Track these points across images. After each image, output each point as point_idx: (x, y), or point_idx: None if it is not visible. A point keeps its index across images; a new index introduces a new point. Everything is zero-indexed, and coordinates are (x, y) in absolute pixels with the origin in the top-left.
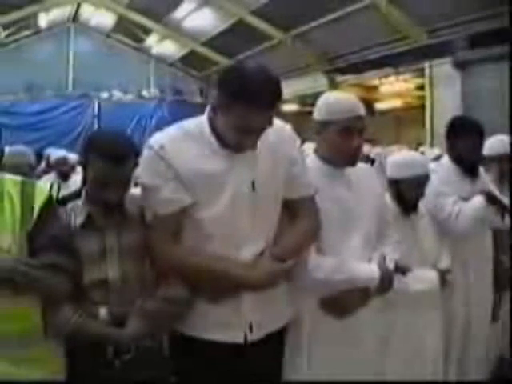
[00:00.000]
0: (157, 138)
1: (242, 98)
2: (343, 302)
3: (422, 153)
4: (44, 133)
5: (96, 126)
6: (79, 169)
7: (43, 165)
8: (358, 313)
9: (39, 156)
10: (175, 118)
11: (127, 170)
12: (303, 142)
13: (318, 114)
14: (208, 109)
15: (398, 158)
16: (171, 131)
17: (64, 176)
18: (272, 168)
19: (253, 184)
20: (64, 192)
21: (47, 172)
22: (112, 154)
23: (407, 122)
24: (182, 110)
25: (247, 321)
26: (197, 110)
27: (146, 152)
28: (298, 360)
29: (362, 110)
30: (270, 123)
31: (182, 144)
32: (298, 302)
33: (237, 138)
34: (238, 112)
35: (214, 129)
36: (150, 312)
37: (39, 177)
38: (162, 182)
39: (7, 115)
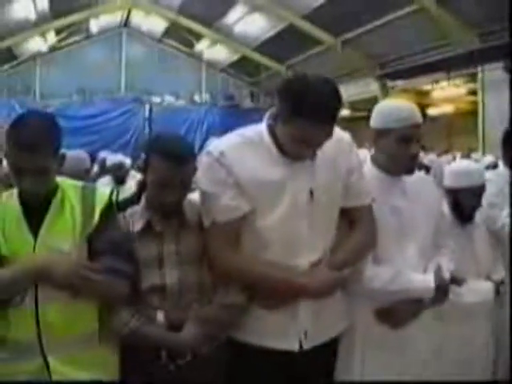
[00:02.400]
0: (216, 145)
1: (302, 112)
2: (397, 312)
3: (476, 160)
4: (96, 136)
5: (147, 130)
6: (133, 173)
7: (96, 168)
8: (412, 322)
9: (92, 159)
10: (226, 122)
11: (188, 171)
12: None
13: (375, 122)
14: (268, 116)
15: (456, 167)
16: (230, 138)
17: (120, 180)
18: (330, 177)
19: (311, 192)
20: (120, 196)
21: (101, 176)
22: (174, 155)
23: (459, 127)
24: (232, 114)
25: (303, 329)
26: (248, 115)
27: (205, 158)
28: (350, 366)
29: (419, 118)
30: (330, 135)
31: (241, 151)
32: (353, 311)
33: (296, 149)
34: (299, 125)
35: (273, 137)
36: (206, 318)
37: (94, 180)
38: (221, 188)
39: (60, 118)
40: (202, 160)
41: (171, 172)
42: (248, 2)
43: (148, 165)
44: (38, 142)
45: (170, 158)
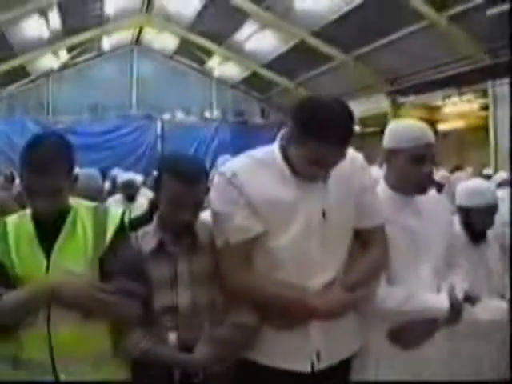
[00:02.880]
0: (229, 166)
1: (315, 134)
2: (410, 333)
3: (489, 177)
4: (107, 153)
5: (159, 147)
6: (144, 190)
7: (107, 185)
8: (426, 342)
9: (103, 176)
10: (237, 139)
11: (201, 190)
12: None
13: (387, 141)
14: (280, 137)
15: (468, 186)
16: (242, 159)
17: (130, 198)
18: (343, 197)
19: (324, 213)
20: (131, 214)
21: (112, 193)
22: (186, 175)
23: (471, 143)
24: (243, 131)
25: (314, 349)
26: (258, 132)
27: (217, 179)
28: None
29: (431, 138)
30: (343, 157)
31: (253, 172)
32: (366, 331)
33: (309, 170)
34: (311, 147)
35: (285, 157)
36: (218, 338)
37: (104, 198)
38: (234, 209)
39: (71, 135)
40: (215, 181)
41: (183, 192)
42: (258, 19)
43: (160, 184)
44: (50, 164)
45: (183, 177)
